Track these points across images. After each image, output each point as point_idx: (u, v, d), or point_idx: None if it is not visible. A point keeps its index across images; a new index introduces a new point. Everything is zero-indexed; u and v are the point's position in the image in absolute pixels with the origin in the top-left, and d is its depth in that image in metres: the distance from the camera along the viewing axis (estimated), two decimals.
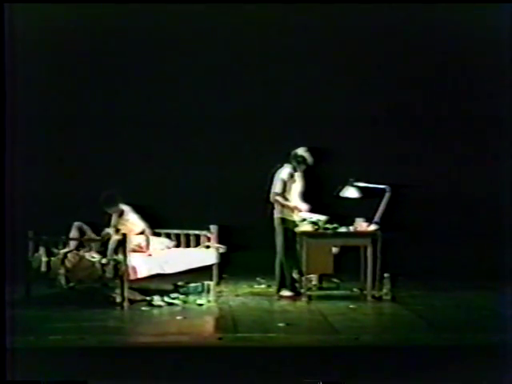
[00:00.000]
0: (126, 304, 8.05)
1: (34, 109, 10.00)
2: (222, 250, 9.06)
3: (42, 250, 8.39)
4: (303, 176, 8.93)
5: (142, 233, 8.70)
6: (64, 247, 8.44)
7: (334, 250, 8.61)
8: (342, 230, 8.63)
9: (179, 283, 8.97)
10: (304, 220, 8.65)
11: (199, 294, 8.85)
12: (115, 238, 8.28)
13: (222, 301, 8.66)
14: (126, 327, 7.49)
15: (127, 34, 10.09)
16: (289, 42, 10.21)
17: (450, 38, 10.04)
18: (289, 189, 8.76)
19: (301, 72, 10.26)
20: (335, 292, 8.89)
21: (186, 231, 9.10)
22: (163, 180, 10.15)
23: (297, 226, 8.69)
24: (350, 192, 8.97)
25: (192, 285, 8.92)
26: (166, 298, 8.45)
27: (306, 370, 6.09)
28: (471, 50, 10.08)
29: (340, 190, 8.99)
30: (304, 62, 10.26)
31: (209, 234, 9.02)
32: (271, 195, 8.75)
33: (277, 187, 8.73)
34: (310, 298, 8.56)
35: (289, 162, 8.82)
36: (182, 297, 8.62)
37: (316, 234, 8.60)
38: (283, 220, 8.73)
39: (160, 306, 8.29)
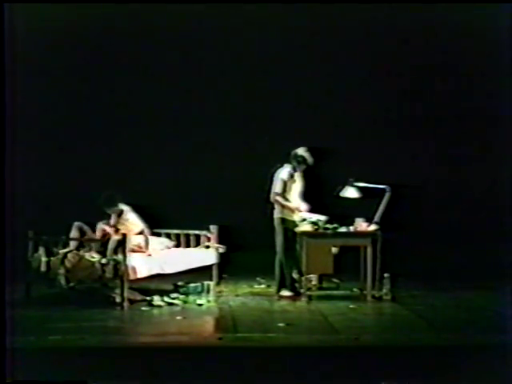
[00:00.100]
0: (126, 304, 8.05)
1: (34, 109, 10.00)
2: (221, 250, 9.06)
3: (41, 250, 8.39)
4: (303, 176, 8.93)
5: (140, 233, 8.70)
6: (64, 247, 8.44)
7: (334, 250, 8.61)
8: (342, 230, 8.63)
9: (179, 283, 8.96)
10: (304, 220, 8.65)
11: (199, 293, 8.85)
12: (115, 238, 8.28)
13: (221, 301, 8.66)
14: (126, 327, 7.49)
15: (127, 33, 10.09)
16: (289, 42, 10.21)
17: (450, 38, 10.04)
18: (289, 189, 8.76)
19: (301, 72, 10.26)
20: (335, 292, 8.89)
21: (185, 231, 9.10)
22: (163, 180, 10.15)
23: (297, 226, 8.69)
24: (350, 192, 8.97)
25: (192, 285, 8.92)
26: (166, 298, 8.45)
27: (306, 370, 6.09)
28: (471, 50, 10.08)
29: (340, 190, 8.99)
30: (304, 62, 10.26)
31: (209, 234, 9.02)
32: (271, 195, 8.75)
33: (277, 187, 8.73)
34: (310, 298, 8.56)
35: (289, 161, 8.82)
36: (182, 297, 8.62)
37: (316, 234, 8.60)
38: (283, 220, 8.73)
39: (160, 306, 8.28)
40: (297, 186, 8.87)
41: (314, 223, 8.60)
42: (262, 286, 9.49)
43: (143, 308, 8.18)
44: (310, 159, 8.83)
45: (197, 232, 9.05)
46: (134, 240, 8.50)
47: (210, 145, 10.29)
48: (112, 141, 10.24)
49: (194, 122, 10.28)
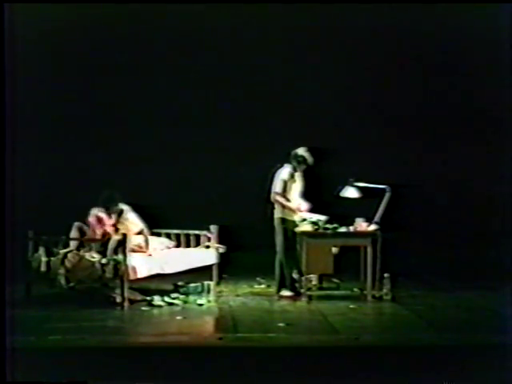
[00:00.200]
0: (126, 304, 8.05)
1: (34, 109, 10.00)
2: (221, 250, 9.06)
3: (41, 250, 8.39)
4: (303, 176, 8.93)
5: (140, 233, 8.70)
6: (64, 247, 8.44)
7: (334, 250, 8.61)
8: (342, 230, 8.63)
9: (179, 283, 8.97)
10: (304, 220, 8.65)
11: (199, 293, 8.85)
12: (115, 238, 8.28)
13: (222, 301, 8.66)
14: (126, 327, 7.49)
15: (127, 33, 10.09)
16: (289, 41, 10.22)
17: (450, 38, 10.05)
18: (289, 189, 8.76)
19: (301, 72, 10.26)
20: (335, 292, 8.89)
21: (186, 231, 9.10)
22: (163, 180, 10.15)
23: (297, 226, 8.69)
24: (350, 192, 8.97)
25: (192, 285, 8.92)
26: (166, 298, 8.45)
27: (306, 369, 6.08)
28: (471, 50, 10.09)
29: (340, 190, 8.99)
30: (304, 62, 10.27)
31: (209, 234, 9.02)
32: (272, 195, 8.76)
33: (277, 187, 8.73)
34: (310, 298, 8.56)
35: (289, 161, 8.82)
36: (182, 297, 8.62)
37: (316, 234, 8.60)
38: (283, 220, 8.74)
39: (160, 306, 8.28)
40: (297, 186, 8.87)
41: (314, 223, 8.60)
42: (262, 285, 9.50)
43: (143, 308, 8.17)
44: (310, 159, 8.83)
45: (197, 232, 9.05)
46: (134, 240, 8.50)
47: (210, 145, 10.30)
48: (112, 141, 10.24)
49: (194, 121, 10.28)
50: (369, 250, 8.51)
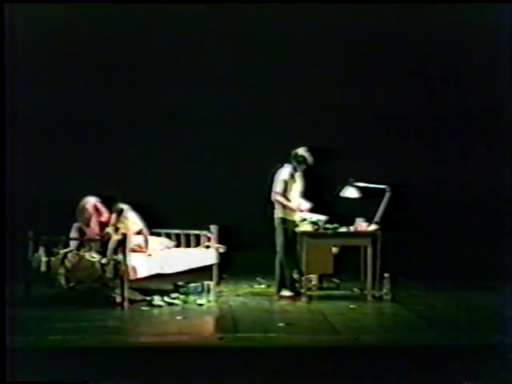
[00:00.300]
0: (126, 304, 8.05)
1: (34, 109, 10.00)
2: (221, 250, 9.06)
3: (41, 250, 8.39)
4: (303, 176, 8.93)
5: (139, 232, 8.70)
6: (64, 247, 8.44)
7: (334, 249, 8.61)
8: (342, 230, 8.63)
9: (179, 283, 8.97)
10: (304, 220, 8.65)
11: (199, 293, 8.85)
12: (115, 237, 8.28)
13: (222, 301, 8.66)
14: (126, 327, 7.49)
15: (127, 33, 10.09)
16: (289, 41, 10.21)
17: (450, 38, 10.04)
18: (289, 189, 8.76)
19: (301, 72, 10.26)
20: (335, 292, 8.89)
21: (186, 231, 9.10)
22: (163, 180, 10.15)
23: (297, 225, 8.69)
24: (350, 192, 8.97)
25: (192, 285, 8.92)
26: (166, 298, 8.45)
27: (306, 370, 6.08)
28: (471, 50, 10.08)
29: (340, 190, 8.99)
30: (304, 62, 10.26)
31: (209, 234, 9.02)
32: (272, 195, 8.76)
33: (278, 187, 8.73)
34: (310, 297, 8.56)
35: (289, 161, 8.82)
36: (182, 297, 8.62)
37: (316, 234, 8.60)
38: (283, 220, 8.74)
39: (160, 306, 8.29)
40: (297, 186, 8.87)
41: (314, 223, 8.60)
42: (262, 285, 9.50)
43: (143, 308, 8.18)
44: (310, 159, 8.83)
45: (197, 232, 9.05)
46: (134, 240, 8.50)
47: (210, 145, 10.29)
48: (112, 141, 10.24)
49: (194, 121, 10.27)
50: (369, 250, 8.51)
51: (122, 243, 8.10)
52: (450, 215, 10.19)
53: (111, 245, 8.23)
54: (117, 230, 8.49)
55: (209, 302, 8.57)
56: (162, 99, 10.25)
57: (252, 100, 10.23)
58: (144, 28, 10.08)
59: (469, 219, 10.08)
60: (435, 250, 9.91)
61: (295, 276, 8.78)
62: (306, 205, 8.82)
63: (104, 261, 8.14)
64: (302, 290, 8.63)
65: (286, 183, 8.73)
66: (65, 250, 8.36)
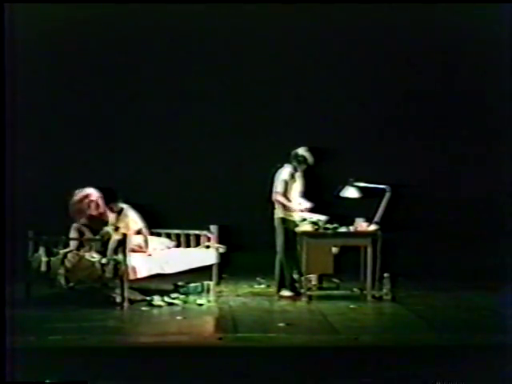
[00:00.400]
0: (126, 304, 8.05)
1: (34, 108, 10.00)
2: (221, 250, 9.06)
3: (41, 250, 8.39)
4: (303, 176, 8.93)
5: (139, 232, 8.70)
6: (64, 247, 8.44)
7: (334, 249, 8.61)
8: (342, 230, 8.63)
9: (179, 283, 8.97)
10: (304, 220, 8.65)
11: (199, 294, 8.85)
12: (115, 237, 8.28)
13: (222, 301, 8.66)
14: (126, 327, 7.49)
15: (127, 33, 10.09)
16: (289, 41, 10.22)
17: (450, 38, 10.05)
18: (289, 188, 8.76)
19: (301, 72, 10.26)
20: (335, 292, 8.89)
21: (186, 231, 9.10)
22: (163, 180, 10.15)
23: (297, 225, 8.69)
24: (350, 192, 8.97)
25: (192, 285, 8.92)
26: (166, 298, 8.45)
27: (306, 369, 6.09)
28: (471, 50, 10.08)
29: (340, 190, 8.99)
30: (304, 62, 10.27)
31: (209, 234, 9.02)
32: (273, 195, 8.75)
33: (278, 187, 8.73)
34: (310, 297, 8.56)
35: (289, 161, 8.82)
36: (182, 297, 8.62)
37: (316, 234, 8.60)
38: (283, 220, 8.74)
39: (160, 306, 8.28)
40: (297, 186, 8.87)
41: (314, 223, 8.60)
42: (262, 286, 9.50)
43: (143, 308, 8.17)
44: (310, 159, 8.83)
45: (197, 232, 9.05)
46: (134, 240, 8.50)
47: (210, 145, 10.29)
48: (112, 141, 10.24)
49: (193, 121, 10.28)
50: (369, 249, 8.51)
51: (122, 243, 8.10)
52: (450, 215, 10.19)
53: (111, 245, 8.23)
54: (117, 229, 8.49)
55: (209, 302, 8.57)
56: (162, 99, 10.26)
57: (252, 100, 10.24)
58: (144, 28, 10.08)
59: (469, 219, 10.08)
60: (435, 250, 9.91)
61: (295, 276, 8.78)
62: (307, 205, 8.82)
63: (104, 261, 8.14)
64: (302, 290, 8.63)
65: (286, 183, 8.74)
66: (65, 250, 8.36)
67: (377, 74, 10.30)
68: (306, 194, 8.95)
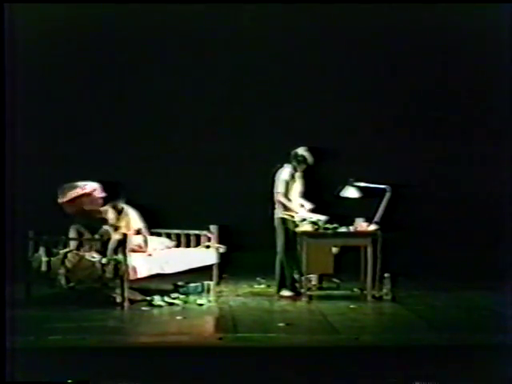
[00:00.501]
0: (126, 304, 8.05)
1: (34, 108, 10.00)
2: (221, 250, 9.06)
3: (41, 250, 8.39)
4: (303, 176, 8.93)
5: (138, 232, 8.69)
6: (64, 247, 8.44)
7: (334, 250, 8.61)
8: (342, 230, 8.63)
9: (179, 283, 8.97)
10: (304, 220, 8.65)
11: (199, 293, 8.85)
12: (115, 237, 8.28)
13: (222, 301, 8.66)
14: (126, 327, 7.49)
15: (127, 33, 10.09)
16: (289, 41, 10.22)
17: (450, 38, 10.05)
18: (290, 189, 8.77)
19: (301, 72, 10.26)
20: (335, 292, 8.89)
21: (186, 231, 9.10)
22: (163, 180, 10.15)
23: (297, 226, 8.69)
24: (350, 192, 8.97)
25: (192, 285, 8.92)
26: (167, 298, 8.45)
27: (306, 369, 6.09)
28: (471, 50, 10.08)
29: (340, 190, 8.99)
30: (304, 62, 10.27)
31: (209, 234, 9.02)
32: (275, 196, 8.75)
33: (279, 188, 8.73)
34: (310, 297, 8.56)
35: (289, 161, 8.82)
36: (182, 297, 8.62)
37: (316, 234, 8.60)
38: (284, 220, 8.74)
39: (160, 306, 8.29)
40: (297, 186, 8.87)
41: (314, 223, 8.60)
42: (262, 285, 9.50)
43: (143, 308, 8.18)
44: (310, 159, 8.83)
45: (197, 232, 9.06)
46: (135, 240, 8.50)
47: (210, 144, 10.29)
48: (112, 141, 10.24)
49: (193, 121, 10.28)
50: (369, 249, 8.51)
51: (122, 243, 8.10)
52: (450, 215, 10.19)
53: (111, 245, 8.23)
54: (116, 229, 8.49)
55: (209, 301, 8.57)
56: (161, 99, 10.26)
57: (252, 100, 10.24)
58: (144, 28, 10.08)
59: (469, 219, 10.08)
60: (435, 250, 9.91)
61: (295, 276, 8.79)
62: (309, 205, 8.83)
63: (104, 261, 8.14)
64: (302, 290, 8.62)
65: (287, 183, 8.74)
66: (65, 250, 8.36)
67: (377, 73, 10.30)
68: (305, 194, 8.95)
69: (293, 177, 8.80)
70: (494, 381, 5.92)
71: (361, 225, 8.69)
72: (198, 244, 9.06)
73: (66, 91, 10.17)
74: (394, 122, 10.33)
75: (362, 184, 8.95)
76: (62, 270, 8.26)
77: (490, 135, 10.16)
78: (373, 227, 8.64)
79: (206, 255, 8.96)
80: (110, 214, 8.64)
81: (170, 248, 8.99)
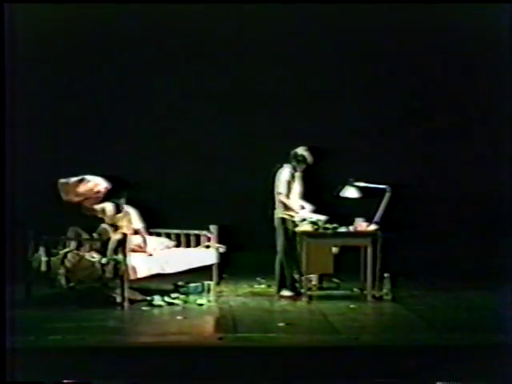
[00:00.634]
0: (126, 304, 8.06)
1: (34, 108, 10.00)
2: (221, 250, 9.06)
3: (41, 250, 8.39)
4: (303, 176, 8.93)
5: (137, 232, 8.69)
6: (64, 247, 8.44)
7: (334, 249, 8.61)
8: (342, 230, 8.63)
9: (179, 283, 8.97)
10: (304, 220, 8.65)
11: (199, 293, 8.85)
12: (115, 237, 8.28)
13: (222, 301, 8.66)
14: (126, 327, 7.50)
15: (127, 33, 10.09)
16: (289, 41, 10.21)
17: (450, 38, 10.04)
18: (290, 189, 8.77)
19: (301, 72, 10.26)
20: (335, 292, 8.89)
21: (186, 231, 9.10)
22: (163, 179, 10.14)
23: (297, 226, 8.69)
24: (350, 192, 8.97)
25: (192, 285, 8.92)
26: (167, 298, 8.45)
27: (306, 370, 6.09)
28: (471, 50, 10.08)
29: (340, 190, 8.99)
30: (304, 62, 10.26)
31: (209, 234, 9.02)
32: (276, 196, 8.75)
33: (280, 188, 8.73)
34: (310, 297, 8.56)
35: (289, 161, 8.83)
36: (182, 297, 8.62)
37: (316, 234, 8.59)
38: (284, 220, 8.74)
39: (160, 306, 8.29)
40: (297, 186, 8.88)
41: (314, 223, 8.60)
42: (262, 285, 9.50)
43: (143, 308, 8.18)
44: (309, 158, 8.83)
45: (197, 232, 9.06)
46: (134, 240, 8.50)
47: (210, 144, 10.29)
48: (112, 141, 10.23)
49: (193, 121, 10.28)
50: (369, 249, 8.51)
51: (122, 243, 8.11)
52: (450, 215, 10.18)
53: (111, 245, 8.23)
54: (116, 228, 8.49)
55: (209, 301, 8.57)
56: (162, 99, 10.25)
57: (252, 100, 10.23)
58: (144, 28, 10.08)
59: (469, 219, 10.08)
60: (435, 249, 9.90)
61: (295, 276, 8.79)
62: (309, 206, 8.84)
63: (104, 261, 8.14)
64: (302, 290, 8.63)
65: (288, 184, 8.74)
66: (65, 250, 8.36)
67: (377, 73, 10.29)
68: (305, 194, 8.95)
69: (293, 177, 8.81)
70: (494, 381, 5.92)
71: (361, 225, 8.70)
72: (197, 244, 9.07)
73: (65, 91, 10.16)
74: (394, 121, 10.32)
75: (362, 184, 8.95)
76: (61, 270, 8.26)
77: (490, 135, 10.16)
78: (373, 227, 8.64)
79: (205, 255, 8.97)
80: (108, 212, 8.62)
81: (169, 248, 8.99)
